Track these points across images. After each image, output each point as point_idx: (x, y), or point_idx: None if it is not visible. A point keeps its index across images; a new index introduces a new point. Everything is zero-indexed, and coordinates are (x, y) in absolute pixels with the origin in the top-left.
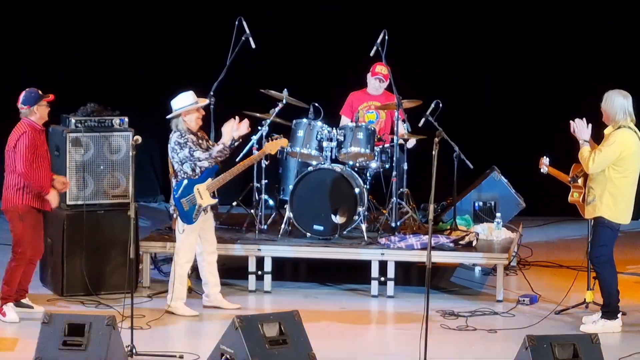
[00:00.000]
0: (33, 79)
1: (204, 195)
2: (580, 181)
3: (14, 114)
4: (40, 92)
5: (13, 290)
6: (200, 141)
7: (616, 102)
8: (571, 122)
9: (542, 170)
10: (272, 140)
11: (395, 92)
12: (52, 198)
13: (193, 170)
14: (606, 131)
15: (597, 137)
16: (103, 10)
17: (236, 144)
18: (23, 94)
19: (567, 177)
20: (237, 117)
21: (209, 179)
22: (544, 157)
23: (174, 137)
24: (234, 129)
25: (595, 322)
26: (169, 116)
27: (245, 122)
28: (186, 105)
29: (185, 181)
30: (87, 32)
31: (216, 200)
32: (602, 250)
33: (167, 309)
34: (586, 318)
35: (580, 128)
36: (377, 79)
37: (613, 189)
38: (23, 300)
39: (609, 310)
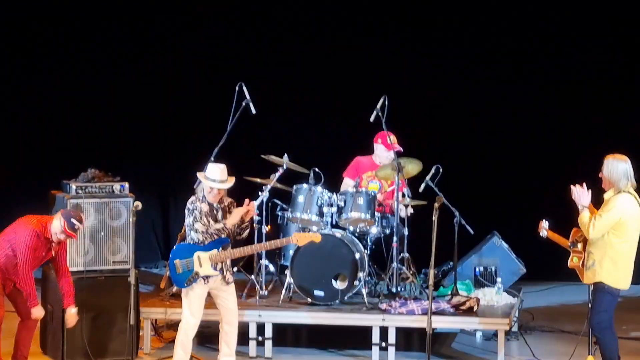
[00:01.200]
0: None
1: (204, 263)
2: (579, 246)
3: None
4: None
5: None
6: (214, 212)
7: (619, 168)
8: (572, 187)
9: (541, 234)
10: (305, 231)
11: (395, 158)
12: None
13: (199, 240)
14: (606, 196)
15: (597, 203)
16: (105, 72)
17: (244, 225)
18: (70, 221)
19: (566, 241)
20: (247, 200)
21: (215, 250)
22: (543, 220)
23: (189, 201)
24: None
25: None
26: (197, 176)
27: (252, 205)
28: (209, 179)
29: (187, 245)
30: (87, 95)
31: (217, 272)
32: (603, 316)
33: None
34: None
35: (580, 194)
36: (396, 152)
37: (613, 254)
38: None
39: None
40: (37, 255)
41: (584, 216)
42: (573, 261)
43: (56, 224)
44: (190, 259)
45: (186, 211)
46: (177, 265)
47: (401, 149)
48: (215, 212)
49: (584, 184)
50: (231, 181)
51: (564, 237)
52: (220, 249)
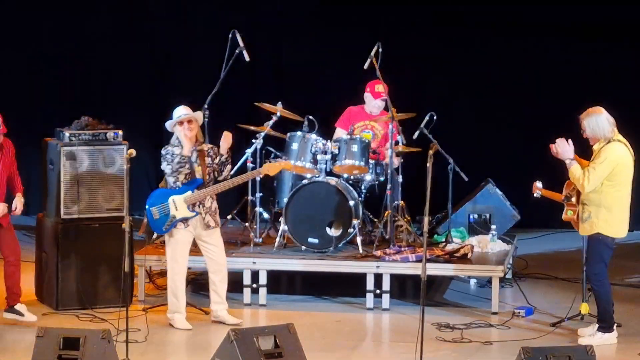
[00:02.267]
0: (27, 92)
1: (179, 206)
2: (573, 199)
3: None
4: None
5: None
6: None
7: (600, 121)
8: (552, 145)
9: (535, 195)
10: (272, 160)
11: (389, 105)
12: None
13: (174, 182)
14: (595, 147)
15: (585, 154)
16: (97, 21)
17: (223, 158)
18: None
19: (559, 195)
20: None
21: (189, 192)
22: (537, 181)
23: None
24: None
25: (592, 335)
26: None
27: (227, 135)
28: (174, 115)
29: (159, 190)
30: (81, 44)
31: (193, 214)
32: (600, 267)
33: (168, 321)
34: (582, 330)
35: (563, 147)
36: (382, 100)
37: (608, 203)
38: (16, 306)
39: (605, 323)
40: None
41: (575, 170)
42: (567, 214)
43: None
44: (166, 203)
45: (161, 158)
46: (153, 211)
47: (387, 98)
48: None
49: (563, 138)
50: (198, 113)
51: (557, 193)
52: (195, 189)
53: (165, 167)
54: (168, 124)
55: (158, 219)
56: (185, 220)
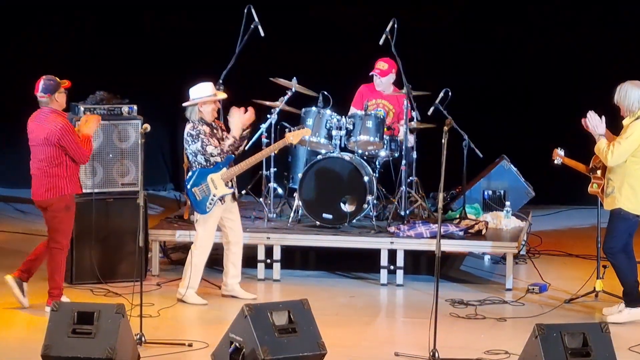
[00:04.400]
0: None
1: (218, 185)
2: (599, 172)
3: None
4: (57, 79)
5: (61, 284)
6: (214, 131)
7: (631, 93)
8: (584, 119)
9: (555, 162)
10: (293, 130)
11: (404, 80)
12: None
13: (207, 161)
14: (624, 122)
15: (616, 129)
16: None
17: (245, 133)
18: (41, 82)
19: (583, 166)
20: (242, 108)
21: (224, 169)
22: (558, 148)
23: (187, 128)
24: (243, 119)
25: (621, 311)
26: (185, 104)
27: (251, 110)
28: (204, 95)
29: (198, 171)
30: (95, 20)
31: (232, 189)
32: (615, 242)
33: (179, 297)
34: (607, 309)
35: (595, 122)
36: (377, 76)
37: (632, 180)
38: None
39: (631, 298)
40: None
41: (602, 143)
42: (593, 187)
43: (49, 99)
44: (205, 183)
45: (189, 138)
46: (196, 192)
47: (381, 75)
48: (215, 130)
49: (595, 113)
50: (224, 94)
51: (581, 163)
52: (228, 166)
53: (205, 147)
54: (197, 99)
55: (200, 200)
56: (223, 197)
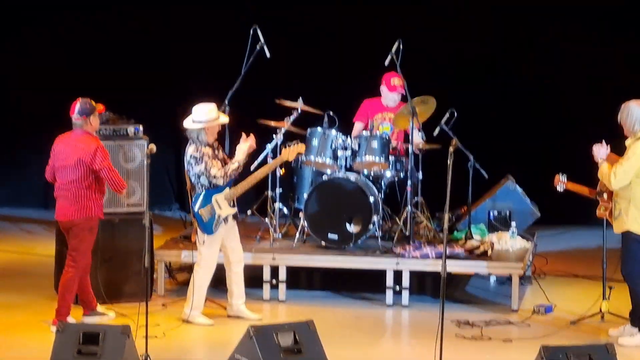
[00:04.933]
0: (49, 87)
1: (222, 205)
2: (605, 195)
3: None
4: (93, 102)
5: (70, 303)
6: (215, 152)
7: (633, 113)
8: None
9: (557, 188)
10: (288, 146)
11: (409, 101)
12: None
13: (210, 182)
14: (627, 142)
15: (620, 149)
16: (119, 20)
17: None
18: (77, 104)
19: (587, 189)
20: (244, 134)
21: (227, 189)
22: (560, 174)
23: (189, 150)
24: (250, 148)
25: (634, 335)
26: (191, 126)
27: (252, 137)
28: (211, 119)
29: (203, 192)
30: (102, 41)
31: (235, 209)
32: (631, 265)
33: (184, 317)
34: (613, 331)
35: (597, 149)
36: (398, 94)
37: (637, 201)
38: (98, 308)
39: None
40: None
41: (603, 167)
42: (600, 210)
43: (84, 122)
44: (210, 204)
45: (192, 160)
46: (203, 214)
47: (403, 92)
48: (216, 151)
49: (602, 142)
50: (226, 117)
51: (585, 186)
52: (231, 185)
53: (209, 169)
54: (204, 122)
55: (207, 221)
56: (227, 217)
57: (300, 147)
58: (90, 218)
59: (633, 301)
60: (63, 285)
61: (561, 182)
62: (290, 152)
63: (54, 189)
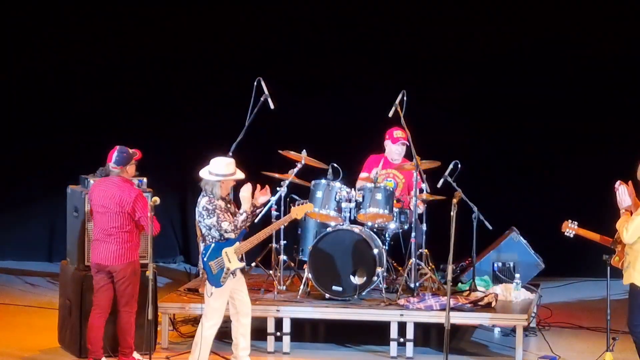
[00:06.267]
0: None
1: (232, 258)
2: (619, 246)
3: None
4: (130, 150)
5: (132, 343)
6: (228, 206)
7: None
8: (618, 181)
9: (566, 234)
10: (297, 205)
11: (413, 153)
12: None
13: (221, 235)
14: None
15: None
16: (122, 69)
17: (258, 210)
18: (115, 153)
19: (598, 236)
20: (258, 185)
21: (237, 243)
22: (569, 220)
23: (202, 201)
24: (256, 195)
25: None
26: (207, 177)
27: (267, 189)
28: (228, 173)
29: (214, 244)
30: (107, 92)
31: (244, 263)
32: (637, 318)
33: None
34: None
35: (622, 196)
36: (402, 144)
37: None
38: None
39: None
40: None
41: (622, 219)
42: (615, 260)
43: (121, 170)
44: (220, 257)
45: (204, 212)
46: (212, 266)
47: (406, 142)
48: (228, 205)
49: (630, 183)
50: (242, 174)
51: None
52: (241, 239)
53: (220, 223)
54: (221, 176)
55: (216, 273)
56: (235, 271)
57: (308, 206)
58: (132, 263)
59: (639, 353)
60: (124, 329)
61: (570, 228)
62: (299, 210)
63: (93, 232)
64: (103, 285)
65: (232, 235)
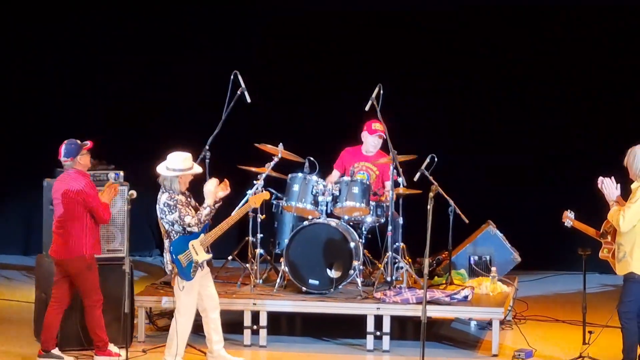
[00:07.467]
0: (26, 131)
1: (199, 251)
2: (609, 237)
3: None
4: (79, 142)
5: (104, 337)
6: (188, 199)
7: (639, 156)
8: (600, 178)
9: (565, 224)
10: (254, 193)
11: (390, 146)
12: None
13: (184, 230)
14: (632, 186)
15: (625, 193)
16: (99, 63)
17: (217, 205)
18: (63, 147)
19: (593, 230)
20: (217, 179)
21: (202, 235)
22: (568, 210)
23: (162, 198)
24: (217, 189)
25: None
26: (165, 173)
27: (226, 183)
28: (185, 168)
29: (180, 238)
30: (83, 86)
31: (210, 255)
32: (631, 306)
33: None
34: None
35: (609, 189)
36: (378, 136)
37: None
38: (53, 350)
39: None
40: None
41: (614, 210)
42: (603, 252)
43: (73, 162)
44: (188, 250)
45: (166, 208)
46: (182, 260)
47: (383, 135)
48: (189, 199)
49: (612, 177)
50: (200, 168)
51: (591, 228)
52: (206, 231)
53: (183, 218)
54: (178, 171)
55: (185, 267)
56: (203, 263)
57: (265, 194)
58: (82, 257)
59: (624, 340)
60: (92, 324)
61: (568, 219)
62: (256, 199)
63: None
64: (60, 279)
65: (195, 229)
